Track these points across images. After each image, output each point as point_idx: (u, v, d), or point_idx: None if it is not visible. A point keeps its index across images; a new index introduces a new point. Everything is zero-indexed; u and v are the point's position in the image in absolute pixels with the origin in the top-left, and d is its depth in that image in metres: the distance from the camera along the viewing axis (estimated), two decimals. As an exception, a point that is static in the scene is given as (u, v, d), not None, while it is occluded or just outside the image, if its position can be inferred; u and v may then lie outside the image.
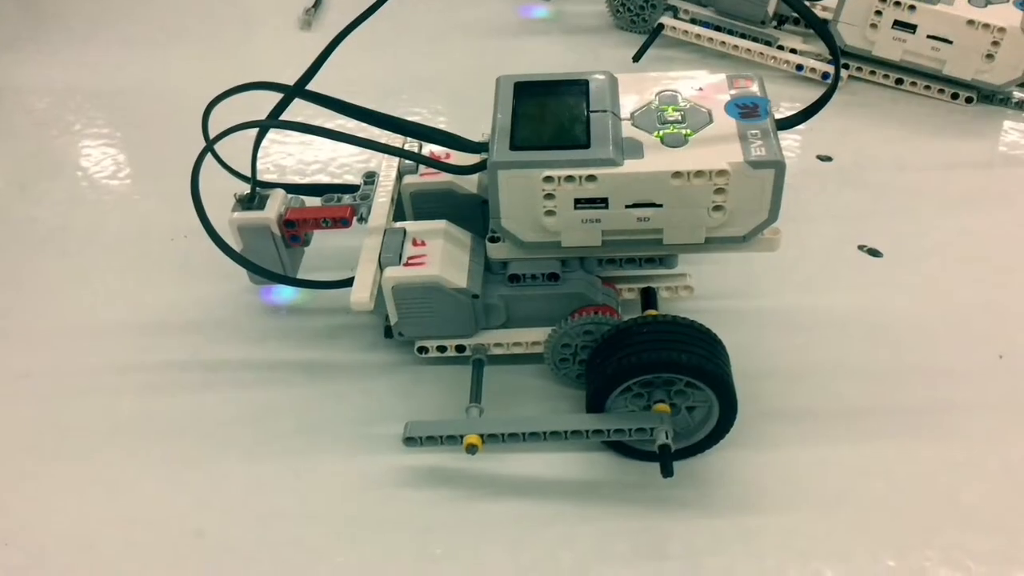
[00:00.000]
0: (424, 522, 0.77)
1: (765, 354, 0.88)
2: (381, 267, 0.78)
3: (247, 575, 0.75)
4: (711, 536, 0.74)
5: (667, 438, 0.72)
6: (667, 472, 0.72)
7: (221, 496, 0.80)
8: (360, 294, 0.76)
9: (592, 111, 0.75)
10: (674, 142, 0.72)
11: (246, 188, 0.87)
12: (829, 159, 1.12)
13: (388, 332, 0.83)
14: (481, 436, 0.75)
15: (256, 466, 0.82)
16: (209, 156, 0.82)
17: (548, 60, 1.32)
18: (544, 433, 0.75)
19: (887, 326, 0.91)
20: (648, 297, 0.85)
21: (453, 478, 0.80)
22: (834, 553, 0.73)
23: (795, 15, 1.29)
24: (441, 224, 0.81)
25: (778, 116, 0.76)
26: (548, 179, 0.70)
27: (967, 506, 0.76)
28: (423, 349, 0.83)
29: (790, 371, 0.87)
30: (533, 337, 0.81)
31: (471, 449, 0.75)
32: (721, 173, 0.69)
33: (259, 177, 0.87)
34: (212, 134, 0.83)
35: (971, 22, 1.13)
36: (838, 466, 0.79)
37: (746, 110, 0.75)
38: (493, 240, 0.77)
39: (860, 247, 0.99)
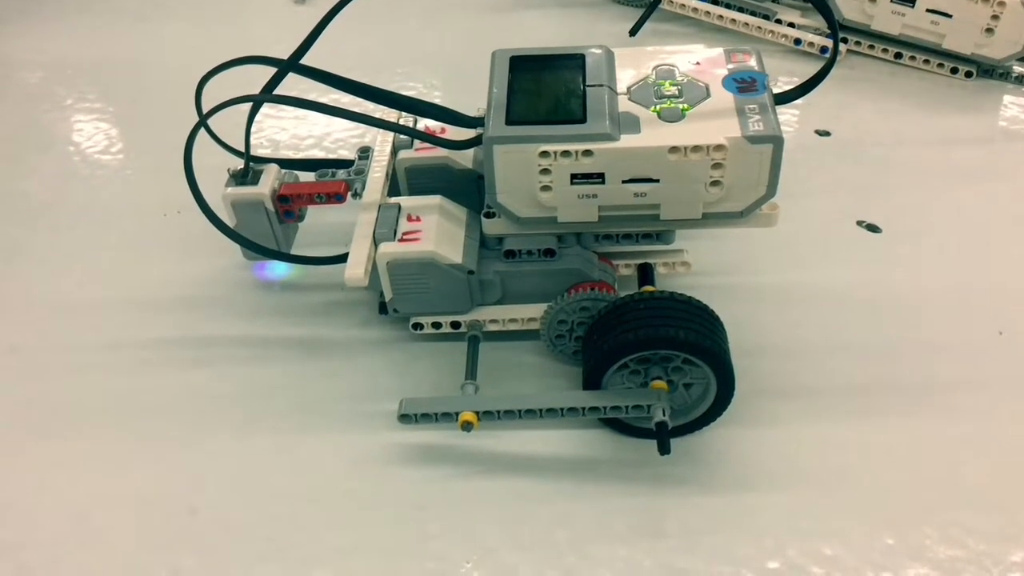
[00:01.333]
0: (419, 500, 0.76)
1: (763, 330, 0.88)
2: (376, 243, 0.77)
3: (240, 553, 0.74)
4: (708, 514, 0.74)
5: (664, 415, 0.72)
6: (664, 450, 0.71)
7: (214, 474, 0.79)
8: (354, 270, 0.75)
9: (588, 85, 0.74)
10: (671, 117, 0.72)
11: (239, 163, 0.86)
12: (827, 134, 1.11)
13: (383, 308, 0.82)
14: (476, 413, 0.75)
15: (249, 443, 0.82)
16: (202, 131, 0.81)
17: (544, 34, 1.32)
18: (540, 410, 0.74)
19: (886, 302, 0.91)
20: (645, 273, 0.85)
21: (448, 455, 0.79)
22: (832, 531, 0.73)
23: (793, -12, 1.28)
24: (436, 199, 0.80)
25: (776, 90, 0.75)
26: (544, 154, 0.70)
27: (966, 484, 0.76)
28: (418, 325, 0.83)
29: (788, 347, 0.86)
30: (529, 313, 0.81)
31: (466, 426, 0.75)
32: (719, 148, 0.69)
33: (253, 152, 0.86)
34: (205, 109, 0.82)
35: (971, -5, 1.12)
36: (836, 444, 0.79)
37: (744, 84, 0.74)
38: (489, 216, 0.76)
39: (859, 223, 0.99)
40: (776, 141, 0.69)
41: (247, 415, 0.84)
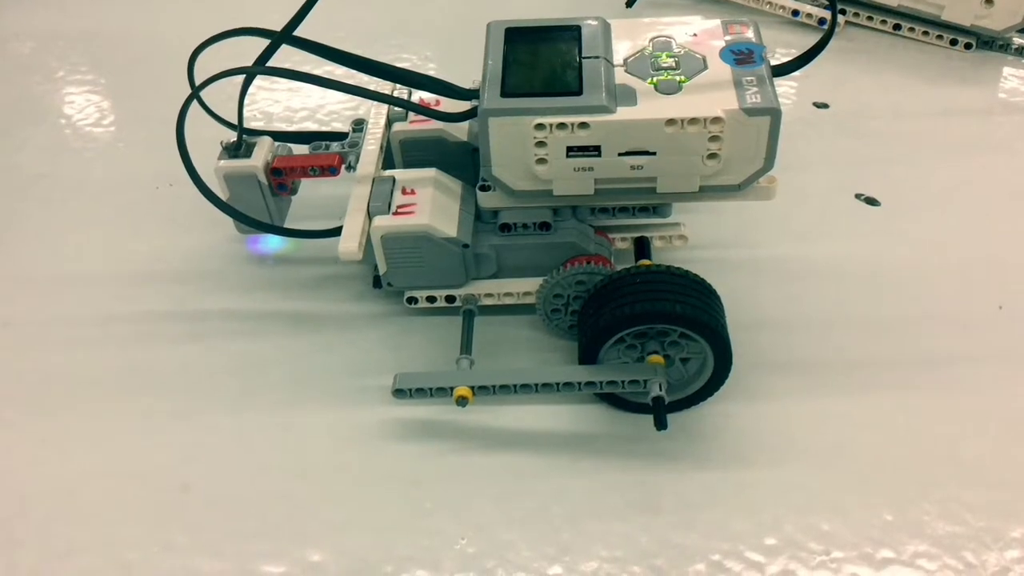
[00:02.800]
0: (414, 475, 0.76)
1: (760, 304, 0.88)
2: (370, 216, 0.77)
3: (233, 529, 0.74)
4: (705, 490, 0.74)
5: (661, 390, 0.72)
6: (661, 425, 0.71)
7: (207, 449, 0.80)
8: (348, 244, 0.75)
9: (584, 57, 0.74)
10: (668, 89, 0.71)
11: (232, 136, 0.85)
12: (826, 106, 1.11)
13: (377, 282, 0.82)
14: (471, 388, 0.75)
15: (243, 419, 0.82)
16: (195, 104, 0.80)
17: (540, 5, 1.30)
18: (536, 385, 0.74)
19: (885, 276, 0.91)
20: (642, 247, 0.84)
21: (443, 431, 0.79)
22: (830, 507, 0.73)
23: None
24: (431, 172, 0.80)
25: (774, 63, 0.75)
26: (539, 126, 0.69)
27: (965, 459, 0.76)
28: (412, 299, 0.83)
29: (786, 322, 0.87)
30: (524, 287, 0.80)
31: (461, 401, 0.75)
32: (716, 120, 0.69)
33: (246, 125, 0.86)
34: (198, 81, 0.81)
35: (972, -35, 1.11)
36: (834, 419, 0.79)
37: (741, 56, 0.74)
38: (484, 189, 0.76)
39: (857, 196, 0.99)
40: (774, 113, 0.69)
41: (240, 390, 0.84)
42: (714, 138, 0.69)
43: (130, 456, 0.80)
